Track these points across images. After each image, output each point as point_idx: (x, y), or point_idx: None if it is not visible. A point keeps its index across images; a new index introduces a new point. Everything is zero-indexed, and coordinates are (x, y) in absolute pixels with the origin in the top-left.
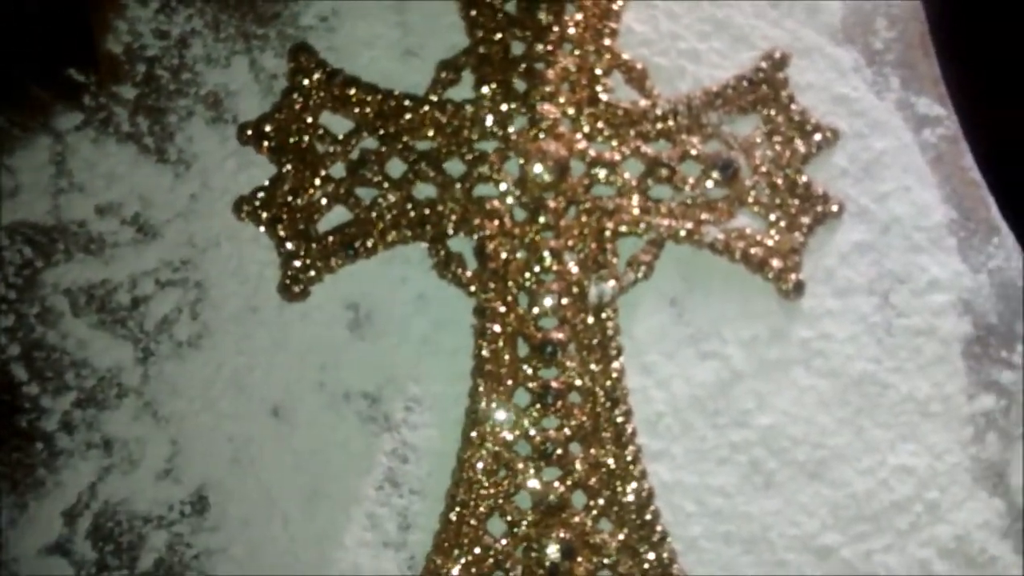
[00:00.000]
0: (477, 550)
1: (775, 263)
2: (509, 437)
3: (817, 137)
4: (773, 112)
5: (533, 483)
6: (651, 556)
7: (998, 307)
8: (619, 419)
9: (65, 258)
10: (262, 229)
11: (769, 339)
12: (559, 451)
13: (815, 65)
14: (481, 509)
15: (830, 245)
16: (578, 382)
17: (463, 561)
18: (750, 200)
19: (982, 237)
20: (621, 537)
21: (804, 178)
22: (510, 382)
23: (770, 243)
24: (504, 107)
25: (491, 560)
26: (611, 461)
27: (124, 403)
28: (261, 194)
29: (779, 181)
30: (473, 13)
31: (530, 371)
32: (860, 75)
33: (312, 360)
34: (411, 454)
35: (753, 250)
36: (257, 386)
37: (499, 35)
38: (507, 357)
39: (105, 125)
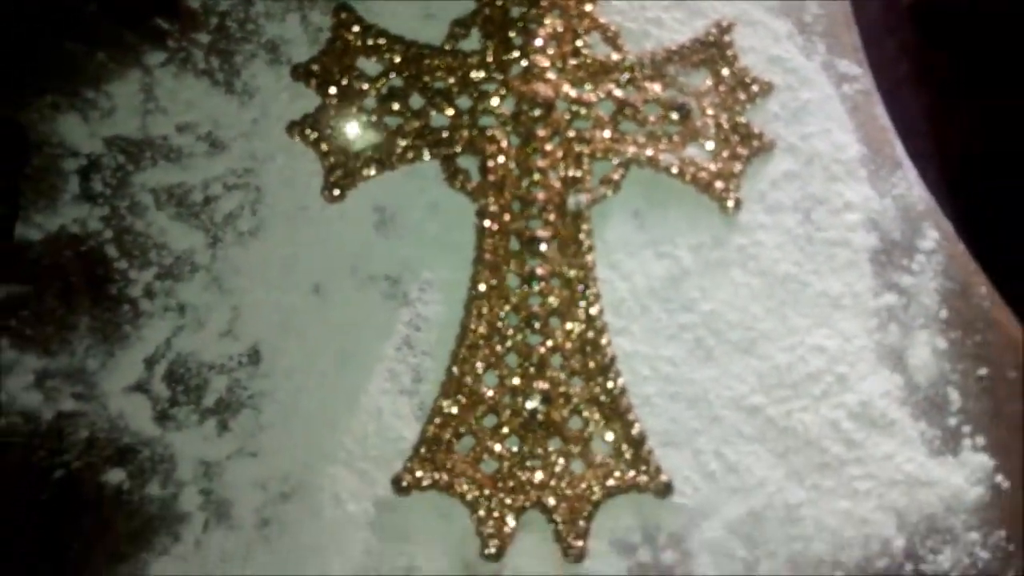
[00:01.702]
0: (474, 397)
1: (718, 185)
2: (502, 312)
3: (755, 88)
4: (720, 68)
5: (520, 347)
6: (612, 404)
7: (901, 226)
8: (590, 300)
9: (151, 164)
10: (310, 146)
11: (712, 244)
12: (541, 323)
13: (756, 33)
14: (478, 365)
15: (763, 173)
16: (558, 268)
17: (462, 403)
18: (700, 135)
19: (888, 170)
20: (589, 390)
21: (743, 120)
22: (504, 269)
23: (715, 169)
24: (504, 57)
25: (485, 405)
26: (583, 332)
27: (195, 277)
28: (309, 119)
29: (723, 122)
30: None
31: (520, 261)
32: (792, 41)
33: (346, 250)
34: (423, 324)
35: (701, 174)
36: (302, 268)
37: (501, 1)
38: (502, 250)
39: (184, 63)
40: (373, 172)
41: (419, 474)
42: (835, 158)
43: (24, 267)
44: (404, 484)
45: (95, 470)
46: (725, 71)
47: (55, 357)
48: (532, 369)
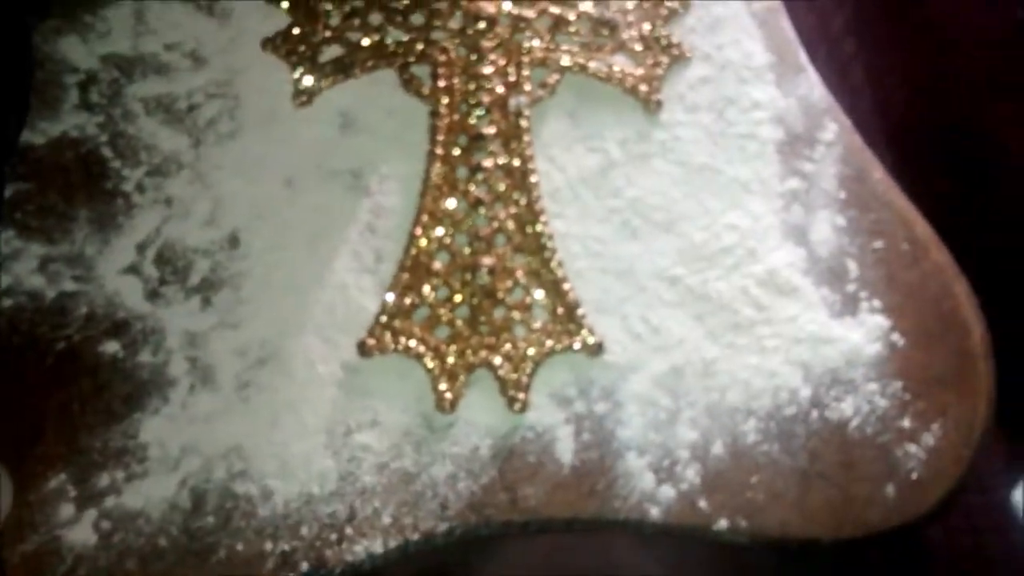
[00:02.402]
0: (428, 272)
1: (643, 87)
2: (452, 200)
3: (674, 5)
4: None
5: (469, 228)
6: (549, 277)
7: (804, 121)
8: (529, 188)
9: (142, 77)
10: (281, 59)
11: (637, 139)
12: (487, 208)
13: None
14: (432, 246)
15: (682, 77)
16: (501, 161)
17: (418, 277)
18: (626, 46)
19: (793, 74)
20: (529, 265)
21: (665, 32)
22: (454, 162)
23: (639, 74)
24: None
25: (438, 279)
26: (523, 215)
27: (181, 173)
28: (281, 35)
29: (646, 34)
30: None
31: (468, 155)
32: None
33: (314, 148)
34: (383, 212)
35: (628, 79)
36: (276, 164)
37: None
38: (452, 145)
39: None
40: (337, 80)
41: (380, 339)
42: (745, 65)
43: (29, 167)
44: (367, 348)
45: (93, 342)
46: None
47: (57, 244)
48: (479, 247)
